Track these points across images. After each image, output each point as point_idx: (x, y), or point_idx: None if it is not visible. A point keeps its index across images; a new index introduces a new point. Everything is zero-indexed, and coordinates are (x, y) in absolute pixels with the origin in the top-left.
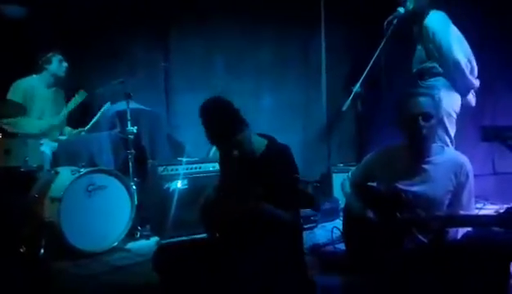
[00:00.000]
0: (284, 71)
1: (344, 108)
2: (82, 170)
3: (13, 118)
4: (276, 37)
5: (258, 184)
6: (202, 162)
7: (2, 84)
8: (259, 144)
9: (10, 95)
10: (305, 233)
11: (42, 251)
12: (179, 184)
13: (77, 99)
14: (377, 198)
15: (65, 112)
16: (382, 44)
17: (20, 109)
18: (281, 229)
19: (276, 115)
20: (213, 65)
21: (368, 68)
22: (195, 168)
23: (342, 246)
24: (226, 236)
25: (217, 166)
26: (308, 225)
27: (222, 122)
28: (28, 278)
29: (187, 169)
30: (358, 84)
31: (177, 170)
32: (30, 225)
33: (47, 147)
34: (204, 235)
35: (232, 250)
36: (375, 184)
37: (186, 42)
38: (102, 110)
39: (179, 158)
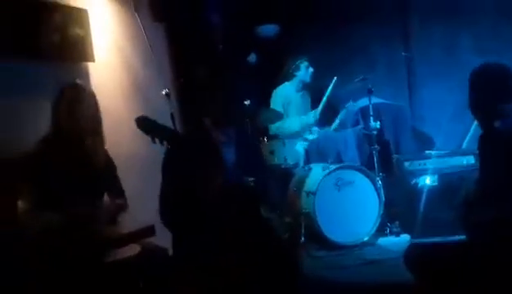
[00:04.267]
0: None
1: None
2: (331, 166)
3: (274, 123)
4: None
5: None
6: (454, 155)
7: (266, 93)
8: None
9: (272, 103)
10: None
11: (302, 238)
12: (428, 180)
13: (330, 87)
14: None
15: (324, 101)
16: None
17: (280, 116)
18: None
19: None
20: (461, 46)
21: None
22: (446, 162)
23: None
24: (490, 242)
25: (471, 159)
26: None
27: (488, 84)
28: (288, 259)
29: (437, 163)
30: None
31: (425, 164)
32: (291, 215)
33: (301, 146)
34: (461, 237)
35: (494, 259)
36: None
37: (427, 25)
38: (346, 108)
39: (427, 152)
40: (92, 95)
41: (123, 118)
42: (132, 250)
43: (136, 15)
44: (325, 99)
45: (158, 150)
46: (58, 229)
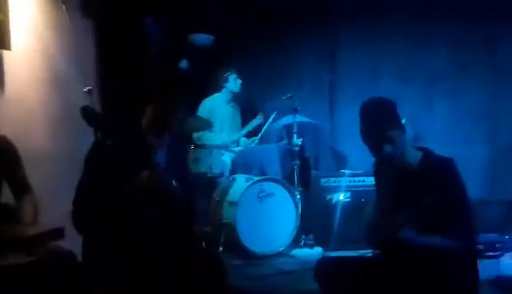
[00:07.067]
0: (463, 75)
1: None
2: (254, 178)
3: (201, 131)
4: (454, 39)
5: (410, 205)
6: (366, 175)
7: (194, 103)
8: (413, 156)
9: (199, 113)
10: (488, 263)
11: (220, 248)
12: (341, 196)
13: (255, 122)
14: None
15: (243, 132)
16: None
17: (207, 124)
18: (444, 256)
19: (452, 124)
20: (381, 74)
21: None
22: (359, 181)
23: None
24: (388, 255)
25: None
26: (492, 253)
27: (377, 115)
28: (206, 270)
29: (350, 181)
30: None
31: (339, 182)
32: (211, 224)
33: (227, 156)
34: (369, 251)
35: (395, 270)
36: None
37: (353, 53)
38: (270, 121)
39: (342, 170)
40: None
41: (37, 110)
42: (36, 253)
43: (63, 7)
44: (262, 131)
45: (72, 145)
46: None
